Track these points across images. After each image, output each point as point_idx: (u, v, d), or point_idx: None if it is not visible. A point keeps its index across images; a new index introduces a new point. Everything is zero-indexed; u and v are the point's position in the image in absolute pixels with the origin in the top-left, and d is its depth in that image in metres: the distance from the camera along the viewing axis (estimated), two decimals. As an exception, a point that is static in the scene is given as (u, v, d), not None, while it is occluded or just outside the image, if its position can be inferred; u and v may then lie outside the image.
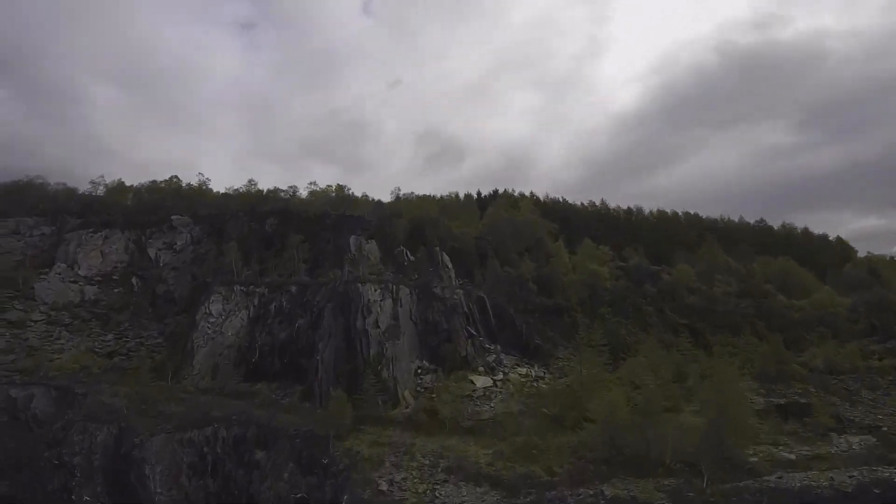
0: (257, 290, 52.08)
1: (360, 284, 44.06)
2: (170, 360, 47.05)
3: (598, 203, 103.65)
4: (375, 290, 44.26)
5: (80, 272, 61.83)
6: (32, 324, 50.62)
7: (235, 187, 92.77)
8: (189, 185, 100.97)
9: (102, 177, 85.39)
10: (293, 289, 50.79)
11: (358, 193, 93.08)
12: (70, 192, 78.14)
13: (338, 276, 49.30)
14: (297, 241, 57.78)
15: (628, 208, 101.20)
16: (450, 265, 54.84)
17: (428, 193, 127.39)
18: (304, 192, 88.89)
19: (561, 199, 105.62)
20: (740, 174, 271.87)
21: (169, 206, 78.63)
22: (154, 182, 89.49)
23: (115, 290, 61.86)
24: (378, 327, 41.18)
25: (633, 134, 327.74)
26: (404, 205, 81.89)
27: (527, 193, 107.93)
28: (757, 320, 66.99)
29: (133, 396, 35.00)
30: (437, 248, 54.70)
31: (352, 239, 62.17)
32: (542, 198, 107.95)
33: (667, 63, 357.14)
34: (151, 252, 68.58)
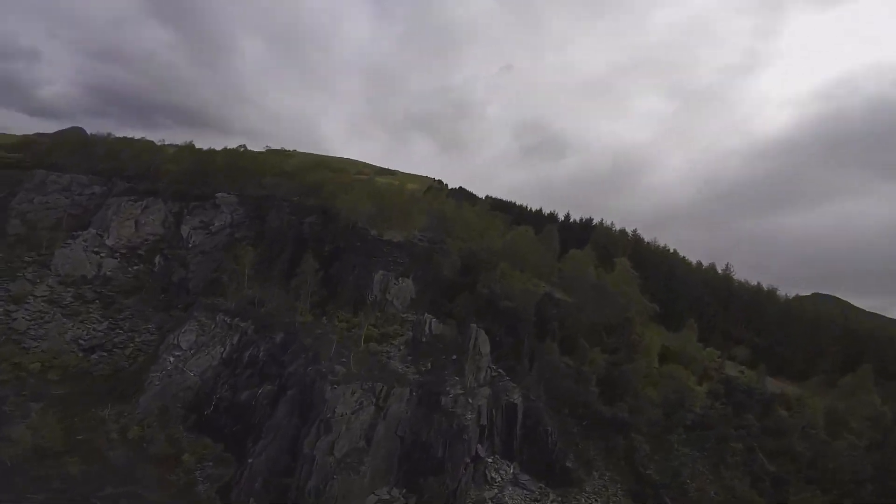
0: (242, 324, 43.45)
1: (330, 386, 32.25)
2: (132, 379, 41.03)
3: (719, 267, 78.67)
4: (352, 395, 32.46)
5: (107, 241, 59.03)
6: (32, 300, 47.79)
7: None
8: (270, 148, 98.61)
9: (163, 140, 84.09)
10: (279, 337, 41.07)
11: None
12: (140, 153, 76.00)
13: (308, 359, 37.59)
14: (311, 269, 47.50)
15: (758, 285, 75.35)
16: (484, 350, 40.89)
17: (504, 198, 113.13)
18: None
19: (670, 250, 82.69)
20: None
21: (222, 177, 74.42)
22: (228, 149, 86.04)
23: (135, 268, 58.30)
24: (332, 454, 29.70)
25: (773, 162, 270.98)
26: (459, 226, 67.60)
27: (629, 229, 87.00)
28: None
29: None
30: (475, 326, 40.92)
31: (378, 276, 50.54)
32: (646, 239, 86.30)
33: (838, 90, 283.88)
34: (185, 229, 64.27)
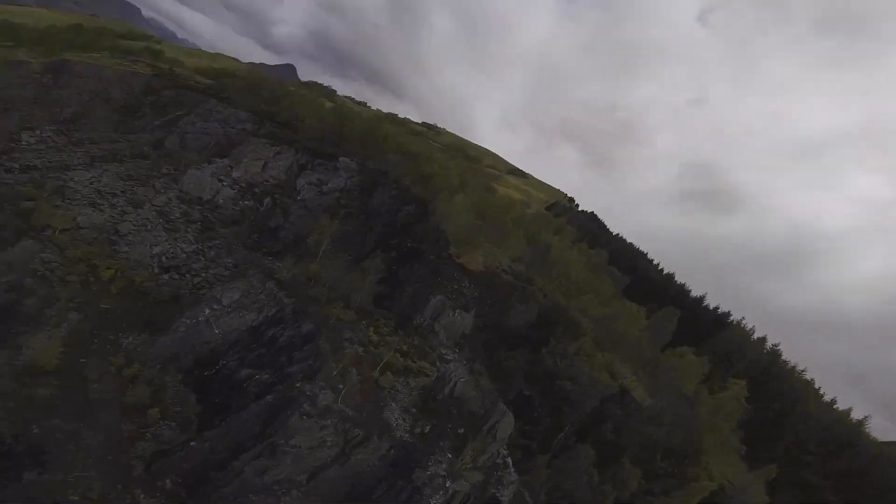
0: (286, 299, 41.00)
1: (299, 416, 26.72)
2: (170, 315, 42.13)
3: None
4: (319, 431, 26.71)
5: (233, 173, 63.70)
6: (147, 206, 52.94)
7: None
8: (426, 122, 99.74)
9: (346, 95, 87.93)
10: (306, 327, 37.63)
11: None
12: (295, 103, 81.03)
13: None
14: (375, 267, 43.32)
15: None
16: (501, 435, 31.95)
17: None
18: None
19: (808, 377, 59.10)
20: None
21: (356, 143, 75.57)
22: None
23: (244, 203, 61.85)
24: (262, 478, 24.47)
25: None
26: (559, 268, 56.89)
27: (770, 343, 65.02)
28: None
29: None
30: (504, 407, 32.20)
31: (435, 300, 44.14)
32: (785, 356, 63.06)
33: None
34: (300, 182, 66.27)
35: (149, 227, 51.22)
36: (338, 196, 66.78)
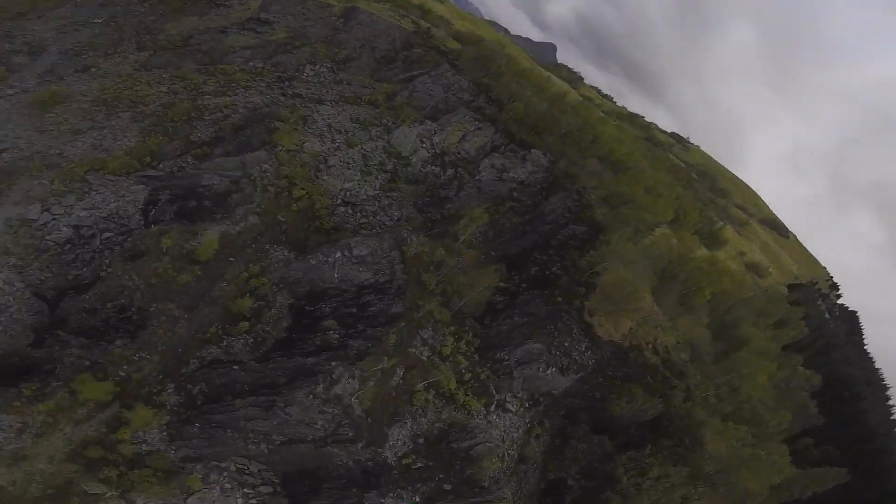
0: (401, 275, 42.82)
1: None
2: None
3: None
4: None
5: (434, 138, 67.61)
6: (357, 147, 61.45)
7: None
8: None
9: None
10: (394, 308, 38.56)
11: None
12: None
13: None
14: (492, 279, 40.44)
15: None
16: None
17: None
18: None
19: None
20: None
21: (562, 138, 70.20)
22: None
23: (429, 168, 65.56)
24: None
25: None
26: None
27: None
28: None
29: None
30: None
31: (531, 346, 38.61)
32: None
33: None
34: (485, 163, 66.06)
35: (350, 165, 59.78)
36: (514, 187, 64.41)
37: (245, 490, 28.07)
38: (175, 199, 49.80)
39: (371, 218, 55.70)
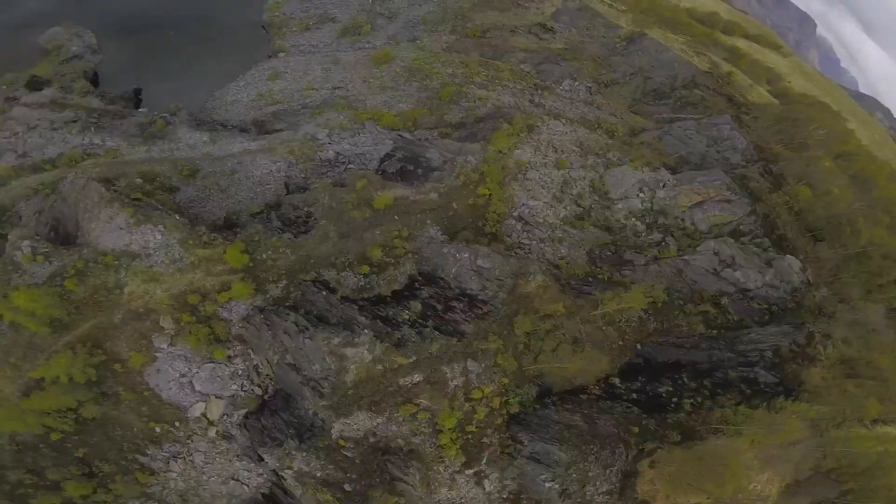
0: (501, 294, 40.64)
1: None
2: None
3: None
4: None
5: (659, 192, 57.14)
6: (560, 171, 58.50)
7: None
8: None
9: None
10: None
11: None
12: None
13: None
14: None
15: None
16: None
17: None
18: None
19: None
20: None
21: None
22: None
23: (633, 224, 56.57)
24: None
25: None
26: None
27: None
28: None
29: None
30: None
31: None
32: None
33: None
34: (727, 251, 52.51)
35: (546, 185, 57.50)
36: (729, 292, 49.76)
37: (242, 383, 35.04)
38: (403, 160, 59.83)
39: (532, 242, 53.56)
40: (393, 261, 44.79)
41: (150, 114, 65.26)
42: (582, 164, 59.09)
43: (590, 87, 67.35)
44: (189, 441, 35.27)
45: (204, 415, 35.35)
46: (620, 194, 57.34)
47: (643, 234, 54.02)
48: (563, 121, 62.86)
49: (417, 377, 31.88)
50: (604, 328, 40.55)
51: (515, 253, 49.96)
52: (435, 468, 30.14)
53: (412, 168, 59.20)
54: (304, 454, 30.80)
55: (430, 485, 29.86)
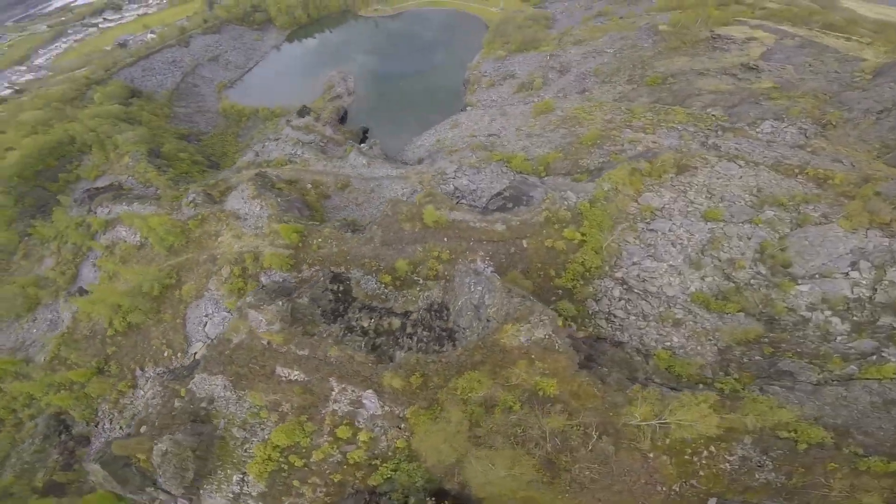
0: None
1: None
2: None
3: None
4: None
5: (891, 272, 29.40)
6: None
7: None
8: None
9: None
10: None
11: None
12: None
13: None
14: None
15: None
16: None
17: None
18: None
19: None
20: None
21: None
22: None
23: (823, 319, 30.48)
24: None
25: None
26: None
27: None
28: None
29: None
30: None
31: None
32: None
33: None
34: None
35: (680, 243, 39.55)
36: None
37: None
38: (507, 198, 53.98)
39: (630, 317, 36.39)
40: (421, 281, 38.52)
41: (362, 146, 79.58)
42: (750, 218, 38.53)
43: (804, 129, 45.14)
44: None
45: (194, 354, 37.13)
46: (812, 268, 33.63)
47: (838, 338, 29.15)
48: (741, 163, 43.34)
49: (297, 374, 24.53)
50: (650, 454, 22.37)
51: (597, 325, 35.17)
52: (230, 463, 22.28)
53: (511, 206, 52.17)
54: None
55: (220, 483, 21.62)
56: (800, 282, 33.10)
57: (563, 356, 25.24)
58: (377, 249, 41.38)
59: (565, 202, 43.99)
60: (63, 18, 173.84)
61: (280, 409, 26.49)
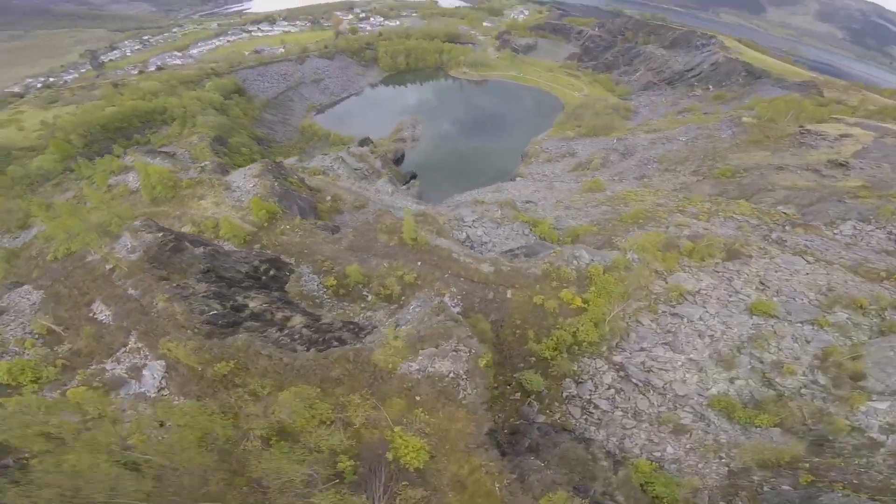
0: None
1: None
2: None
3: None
4: None
5: None
6: None
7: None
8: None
9: None
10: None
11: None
12: None
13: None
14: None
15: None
16: None
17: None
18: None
19: None
20: None
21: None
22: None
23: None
24: None
25: None
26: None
27: None
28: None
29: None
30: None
31: None
32: None
33: None
34: None
35: (710, 332, 29.08)
36: None
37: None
38: (520, 257, 47.48)
39: (616, 412, 25.89)
40: (370, 297, 31.30)
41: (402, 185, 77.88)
42: (814, 319, 27.49)
43: (891, 233, 34.03)
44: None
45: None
46: (891, 385, 21.57)
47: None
48: (810, 258, 32.75)
49: (107, 314, 17.37)
50: None
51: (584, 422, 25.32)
52: None
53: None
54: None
55: None
56: (875, 397, 21.53)
57: (464, 414, 16.04)
58: (340, 252, 35.28)
59: (574, 261, 35.45)
60: (230, 21, 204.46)
61: (55, 347, 19.67)
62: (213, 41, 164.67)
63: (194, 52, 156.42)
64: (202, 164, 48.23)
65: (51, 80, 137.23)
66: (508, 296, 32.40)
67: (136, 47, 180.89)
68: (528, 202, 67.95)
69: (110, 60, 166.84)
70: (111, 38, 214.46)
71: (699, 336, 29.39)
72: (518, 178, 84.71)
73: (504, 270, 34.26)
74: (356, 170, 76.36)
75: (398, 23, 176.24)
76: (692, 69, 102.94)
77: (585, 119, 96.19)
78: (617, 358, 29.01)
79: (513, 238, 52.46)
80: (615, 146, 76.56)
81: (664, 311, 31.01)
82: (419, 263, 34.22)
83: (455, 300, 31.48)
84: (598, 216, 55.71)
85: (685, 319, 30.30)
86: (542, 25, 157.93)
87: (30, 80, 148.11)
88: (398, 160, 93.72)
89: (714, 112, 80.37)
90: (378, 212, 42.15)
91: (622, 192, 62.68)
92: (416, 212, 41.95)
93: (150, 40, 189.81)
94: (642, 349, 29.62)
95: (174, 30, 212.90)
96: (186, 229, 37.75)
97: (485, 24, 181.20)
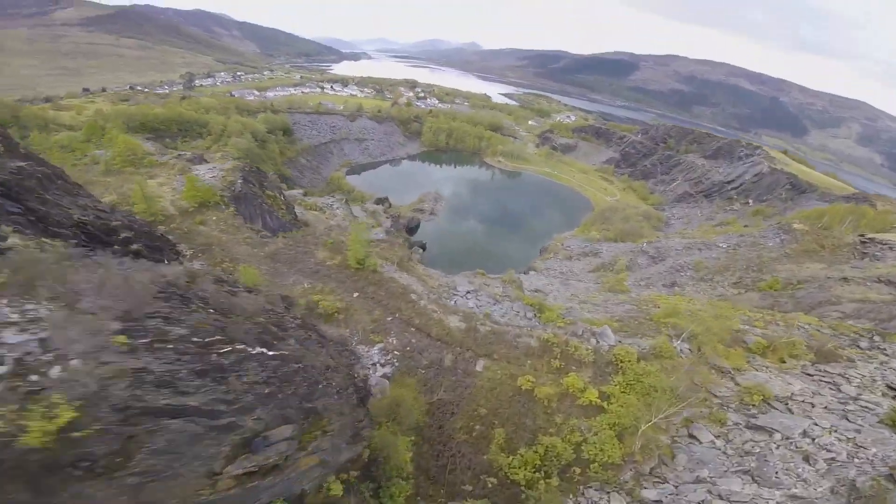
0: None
1: None
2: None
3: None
4: None
5: None
6: None
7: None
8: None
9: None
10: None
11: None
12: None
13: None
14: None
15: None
16: None
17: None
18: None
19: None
20: None
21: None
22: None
23: None
24: None
25: None
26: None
27: None
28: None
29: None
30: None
31: None
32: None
33: None
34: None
35: (823, 457, 15.88)
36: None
37: None
38: None
39: None
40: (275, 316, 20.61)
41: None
42: None
43: None
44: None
45: None
46: None
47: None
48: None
49: None
50: None
51: None
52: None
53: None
54: None
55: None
56: None
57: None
58: (255, 256, 25.55)
59: (593, 340, 24.11)
60: (311, 76, 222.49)
61: None
62: (290, 89, 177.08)
63: (270, 94, 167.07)
64: (180, 153, 42.56)
65: (145, 90, 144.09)
66: (478, 368, 20.94)
67: (228, 79, 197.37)
68: (537, 291, 57.65)
69: (201, 85, 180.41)
70: (212, 67, 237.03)
71: (805, 459, 16.52)
72: (531, 272, 75.34)
73: (481, 331, 23.10)
74: (358, 219, 69.87)
75: (449, 107, 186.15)
76: (733, 181, 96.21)
77: (614, 223, 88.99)
78: (651, 494, 16.11)
79: (512, 318, 41.28)
80: (644, 248, 67.21)
81: (737, 423, 18.59)
82: (355, 294, 23.74)
83: (389, 356, 20.20)
84: (622, 313, 44.36)
85: (778, 435, 17.79)
86: (584, 128, 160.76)
87: (130, 86, 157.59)
88: (412, 229, 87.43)
89: (754, 224, 71.24)
90: (335, 227, 33.02)
91: (649, 295, 51.81)
92: (379, 238, 32.40)
93: (242, 76, 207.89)
94: (698, 480, 16.90)
95: (265, 72, 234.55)
96: (107, 199, 29.64)
97: (530, 122, 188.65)
